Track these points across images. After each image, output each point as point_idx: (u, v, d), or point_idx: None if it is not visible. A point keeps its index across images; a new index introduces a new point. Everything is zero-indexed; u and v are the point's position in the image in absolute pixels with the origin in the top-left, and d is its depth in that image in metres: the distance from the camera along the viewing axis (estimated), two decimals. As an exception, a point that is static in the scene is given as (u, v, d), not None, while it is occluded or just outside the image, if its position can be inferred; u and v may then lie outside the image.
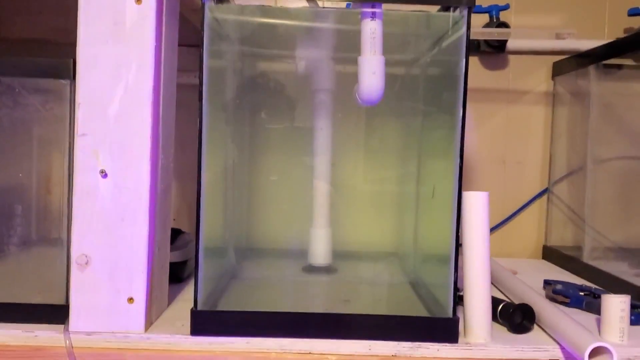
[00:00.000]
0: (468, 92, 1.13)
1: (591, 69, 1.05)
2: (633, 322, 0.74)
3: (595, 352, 0.59)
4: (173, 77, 0.73)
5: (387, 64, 0.69)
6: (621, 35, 1.18)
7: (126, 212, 0.65)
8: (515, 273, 1.03)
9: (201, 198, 0.66)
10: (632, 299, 0.69)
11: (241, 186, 0.99)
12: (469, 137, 1.20)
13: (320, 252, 0.92)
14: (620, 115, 1.08)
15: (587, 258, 1.05)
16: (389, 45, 0.69)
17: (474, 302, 0.67)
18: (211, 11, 0.67)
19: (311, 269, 0.92)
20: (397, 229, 1.01)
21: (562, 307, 0.82)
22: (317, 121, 0.91)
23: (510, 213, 1.21)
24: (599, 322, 0.70)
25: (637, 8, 1.13)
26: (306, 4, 0.75)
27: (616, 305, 0.67)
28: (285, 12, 0.79)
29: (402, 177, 0.99)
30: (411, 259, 0.93)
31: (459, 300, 0.72)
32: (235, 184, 0.94)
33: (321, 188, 0.92)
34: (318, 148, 0.91)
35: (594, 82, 1.04)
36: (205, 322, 0.65)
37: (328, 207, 0.93)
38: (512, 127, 1.21)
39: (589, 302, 0.80)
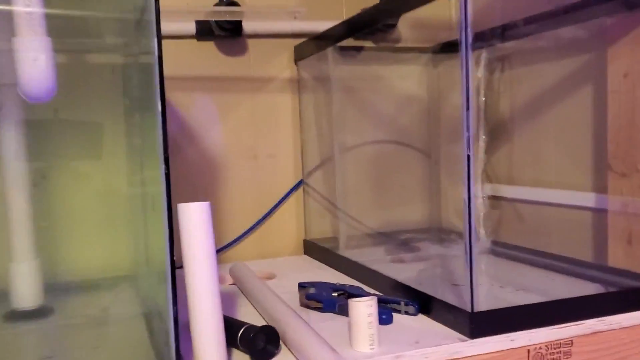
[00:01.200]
0: (206, 81, 1.00)
1: (329, 51, 0.99)
2: (384, 322, 0.68)
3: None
4: None
5: (74, 50, 0.53)
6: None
7: None
8: (271, 278, 0.95)
9: None
10: (385, 289, 0.62)
11: None
12: (214, 131, 1.08)
13: (25, 291, 0.73)
14: (362, 99, 1.05)
15: (343, 249, 1.00)
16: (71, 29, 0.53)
17: (201, 331, 0.55)
18: None
19: (14, 316, 0.72)
20: (128, 248, 0.85)
21: (315, 313, 0.74)
22: (4, 131, 0.71)
23: (267, 210, 1.12)
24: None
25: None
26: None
27: (362, 310, 0.60)
28: None
29: (126, 186, 0.84)
30: (146, 282, 0.78)
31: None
32: None
33: (19, 209, 0.73)
34: (8, 159, 0.71)
35: (333, 65, 0.99)
36: None
37: (31, 233, 0.74)
38: (260, 117, 1.12)
39: (342, 305, 0.73)
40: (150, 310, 0.72)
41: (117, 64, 0.81)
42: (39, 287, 0.73)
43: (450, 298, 0.70)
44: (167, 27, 1.01)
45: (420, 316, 0.71)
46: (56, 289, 0.76)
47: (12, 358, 0.62)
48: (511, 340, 0.63)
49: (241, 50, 1.09)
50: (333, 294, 0.78)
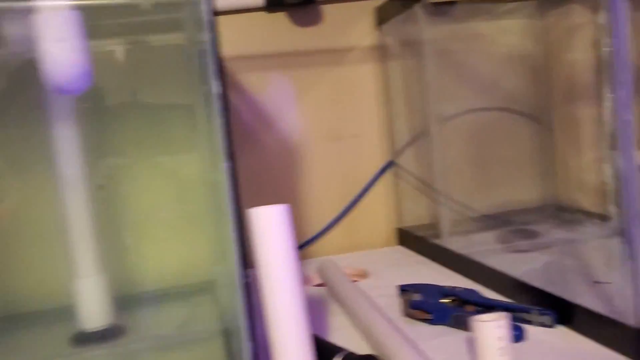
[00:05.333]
0: (279, 58, 0.88)
1: (418, 9, 0.84)
2: (515, 339, 0.54)
3: None
4: None
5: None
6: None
7: None
8: (364, 277, 0.82)
9: None
10: (505, 290, 0.49)
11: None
12: (291, 112, 0.96)
13: (93, 310, 0.64)
14: (459, 62, 0.90)
15: (445, 238, 0.86)
16: None
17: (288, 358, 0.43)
18: None
19: (83, 338, 0.64)
20: (205, 254, 0.75)
21: (423, 326, 0.61)
22: (58, 128, 0.62)
23: (353, 197, 0.99)
24: (471, 344, 0.50)
25: None
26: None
27: (491, 332, 0.47)
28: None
29: (201, 185, 0.74)
30: (224, 292, 0.68)
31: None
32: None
33: (80, 217, 0.64)
34: (65, 162, 0.63)
35: (423, 25, 0.84)
36: None
37: (96, 244, 0.65)
38: (341, 93, 0.99)
39: (457, 317, 0.60)
40: (229, 326, 0.62)
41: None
42: (108, 304, 0.65)
43: (595, 303, 0.55)
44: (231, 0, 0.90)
45: (560, 328, 0.57)
46: (127, 304, 0.67)
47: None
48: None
49: (315, 19, 0.96)
50: (442, 300, 0.65)
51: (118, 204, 0.73)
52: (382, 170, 1.00)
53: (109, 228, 0.69)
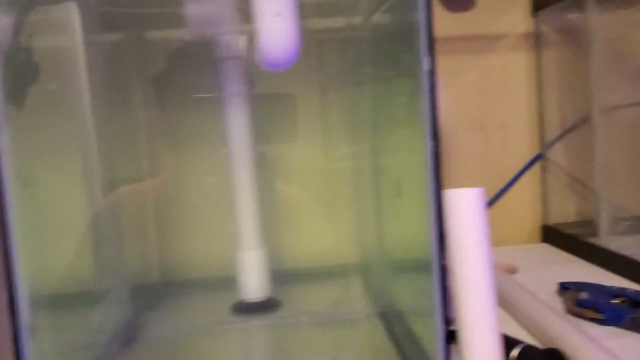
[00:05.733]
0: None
1: (587, -5, 0.80)
2: None
3: None
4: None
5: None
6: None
7: None
8: (513, 272, 0.80)
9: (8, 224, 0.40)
10: None
11: (133, 203, 0.72)
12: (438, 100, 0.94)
13: (253, 282, 0.67)
14: (627, 51, 0.84)
15: (604, 237, 0.81)
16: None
17: (476, 346, 0.42)
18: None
19: (243, 308, 0.66)
20: (355, 235, 0.75)
21: (593, 326, 0.58)
22: (229, 107, 0.65)
23: (497, 190, 0.96)
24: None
25: None
26: None
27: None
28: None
29: (356, 169, 0.74)
30: (378, 274, 0.68)
31: (451, 339, 0.46)
32: (119, 201, 0.67)
33: (245, 193, 0.67)
34: (235, 141, 0.65)
35: (592, 12, 0.80)
36: None
37: (259, 219, 0.67)
38: (489, 81, 0.96)
39: (635, 319, 0.56)
40: (388, 309, 0.62)
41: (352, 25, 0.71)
42: (267, 278, 0.67)
43: None
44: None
45: None
46: (281, 278, 0.69)
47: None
48: None
49: (469, 3, 0.93)
50: (612, 301, 0.61)
51: (273, 183, 0.75)
52: (530, 163, 0.96)
53: (270, 205, 0.71)
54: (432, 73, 0.38)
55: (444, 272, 0.40)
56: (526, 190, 0.97)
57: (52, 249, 0.50)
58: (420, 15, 0.38)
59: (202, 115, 0.72)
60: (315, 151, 0.76)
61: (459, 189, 0.42)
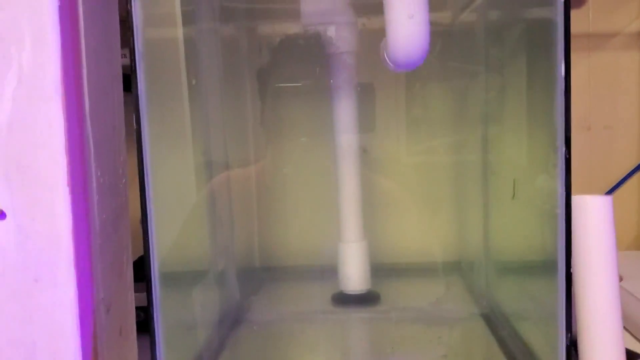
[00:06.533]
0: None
1: None
2: None
3: None
4: (112, 51, 0.49)
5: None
6: None
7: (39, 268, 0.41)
8: (619, 280, 0.77)
9: (148, 204, 0.43)
10: None
11: (240, 188, 0.75)
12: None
13: (353, 274, 0.68)
14: None
15: None
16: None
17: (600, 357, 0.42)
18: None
19: (343, 299, 0.68)
20: (456, 233, 0.75)
21: None
22: (337, 99, 0.66)
23: (599, 194, 0.93)
24: None
25: None
26: None
27: None
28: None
29: (460, 167, 0.74)
30: (482, 274, 0.68)
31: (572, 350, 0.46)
32: (231, 186, 0.70)
33: (351, 185, 0.68)
34: (342, 132, 0.67)
35: None
36: None
37: (361, 212, 0.68)
38: (596, 81, 0.92)
39: None
40: (492, 311, 0.62)
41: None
42: (367, 271, 0.68)
43: None
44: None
45: None
46: (379, 272, 0.70)
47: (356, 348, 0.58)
48: None
49: (580, 1, 0.90)
50: None
51: (369, 177, 0.76)
52: (637, 168, 0.92)
53: (371, 198, 0.72)
54: (567, 78, 0.38)
55: (569, 281, 0.40)
56: (631, 195, 0.93)
57: (177, 229, 0.53)
58: (558, 19, 0.38)
59: (309, 107, 0.73)
60: (418, 147, 0.76)
61: (587, 195, 0.41)
